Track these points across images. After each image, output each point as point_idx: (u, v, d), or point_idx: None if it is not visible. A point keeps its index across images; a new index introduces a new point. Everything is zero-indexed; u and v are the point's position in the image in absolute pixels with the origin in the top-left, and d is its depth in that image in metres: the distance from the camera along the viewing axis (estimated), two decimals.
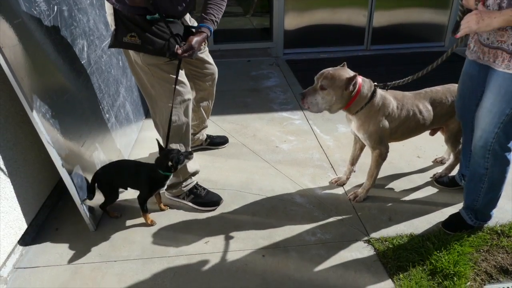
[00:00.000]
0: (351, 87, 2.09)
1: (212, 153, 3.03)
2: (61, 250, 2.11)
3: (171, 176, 2.22)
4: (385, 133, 2.26)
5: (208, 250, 2.11)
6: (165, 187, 2.25)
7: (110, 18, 2.13)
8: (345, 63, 2.21)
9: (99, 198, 2.32)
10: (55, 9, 2.22)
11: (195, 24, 2.38)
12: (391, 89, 2.27)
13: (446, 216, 2.27)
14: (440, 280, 1.91)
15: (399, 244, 2.11)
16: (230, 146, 3.14)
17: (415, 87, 2.41)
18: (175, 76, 2.16)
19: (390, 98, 2.24)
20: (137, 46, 2.04)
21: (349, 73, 2.13)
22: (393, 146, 2.93)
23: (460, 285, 1.87)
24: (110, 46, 2.13)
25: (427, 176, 2.71)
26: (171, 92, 2.15)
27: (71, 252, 2.10)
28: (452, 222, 2.22)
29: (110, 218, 2.32)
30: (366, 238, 2.18)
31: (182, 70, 2.26)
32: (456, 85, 2.41)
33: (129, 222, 2.31)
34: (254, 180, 2.70)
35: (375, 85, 2.19)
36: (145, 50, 2.04)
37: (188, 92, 2.26)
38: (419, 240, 2.13)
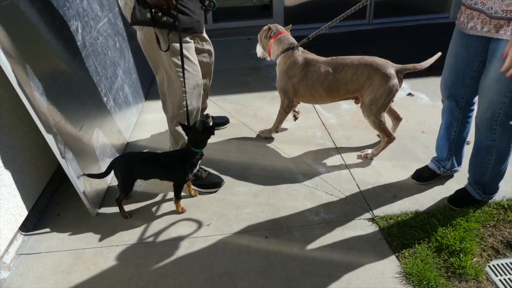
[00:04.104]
0: (267, 34, 2.72)
1: None
2: (62, 236, 2.10)
3: (203, 153, 2.15)
4: (287, 85, 2.61)
5: (210, 232, 2.09)
6: (198, 167, 2.18)
7: None
8: (290, 25, 2.84)
9: (98, 182, 2.30)
10: None
11: None
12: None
13: (452, 192, 2.23)
14: (446, 257, 1.89)
15: (404, 221, 2.08)
16: (231, 126, 3.10)
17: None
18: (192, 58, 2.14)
19: (299, 55, 2.58)
20: (164, 23, 1.96)
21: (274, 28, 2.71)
22: None
23: (466, 261, 1.84)
24: (132, 23, 2.04)
25: (432, 151, 2.65)
26: (187, 74, 2.09)
27: (73, 238, 2.09)
28: (458, 198, 2.18)
29: (111, 203, 2.30)
30: (370, 216, 2.15)
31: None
32: (373, 57, 2.41)
33: (129, 207, 2.29)
34: (255, 160, 2.67)
35: (296, 45, 2.60)
36: (170, 27, 1.97)
37: (200, 77, 2.21)
38: (424, 217, 2.10)
